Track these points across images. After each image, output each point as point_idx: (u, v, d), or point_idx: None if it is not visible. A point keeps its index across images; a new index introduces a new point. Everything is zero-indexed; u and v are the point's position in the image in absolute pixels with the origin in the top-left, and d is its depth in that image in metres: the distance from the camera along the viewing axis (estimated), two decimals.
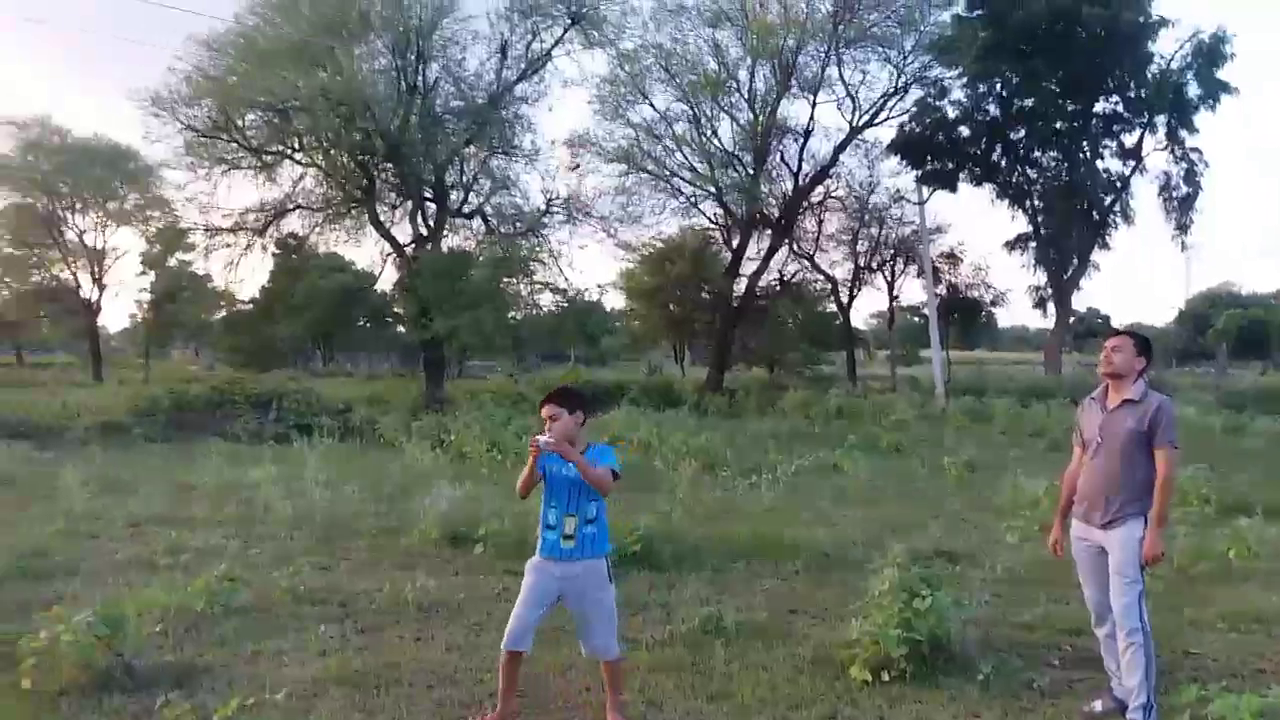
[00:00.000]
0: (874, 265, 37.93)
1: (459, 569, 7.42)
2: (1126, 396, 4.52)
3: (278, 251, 34.14)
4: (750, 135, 29.12)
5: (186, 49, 23.82)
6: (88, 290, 42.00)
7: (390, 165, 25.43)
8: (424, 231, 26.55)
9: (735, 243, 31.81)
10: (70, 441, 15.63)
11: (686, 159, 29.42)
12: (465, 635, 5.76)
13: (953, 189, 33.21)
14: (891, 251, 37.63)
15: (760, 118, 29.06)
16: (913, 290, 46.39)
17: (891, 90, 29.32)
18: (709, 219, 32.77)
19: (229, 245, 26.71)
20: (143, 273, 43.39)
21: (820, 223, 34.65)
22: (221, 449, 13.86)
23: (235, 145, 24.72)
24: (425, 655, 5.36)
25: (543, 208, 27.04)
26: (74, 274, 42.02)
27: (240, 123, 24.45)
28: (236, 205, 26.27)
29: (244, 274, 28.52)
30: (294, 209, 27.00)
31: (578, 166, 27.90)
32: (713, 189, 29.33)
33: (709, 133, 29.45)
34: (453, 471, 11.76)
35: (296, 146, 25.61)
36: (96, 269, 41.67)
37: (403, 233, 27.04)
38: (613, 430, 15.12)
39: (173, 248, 37.82)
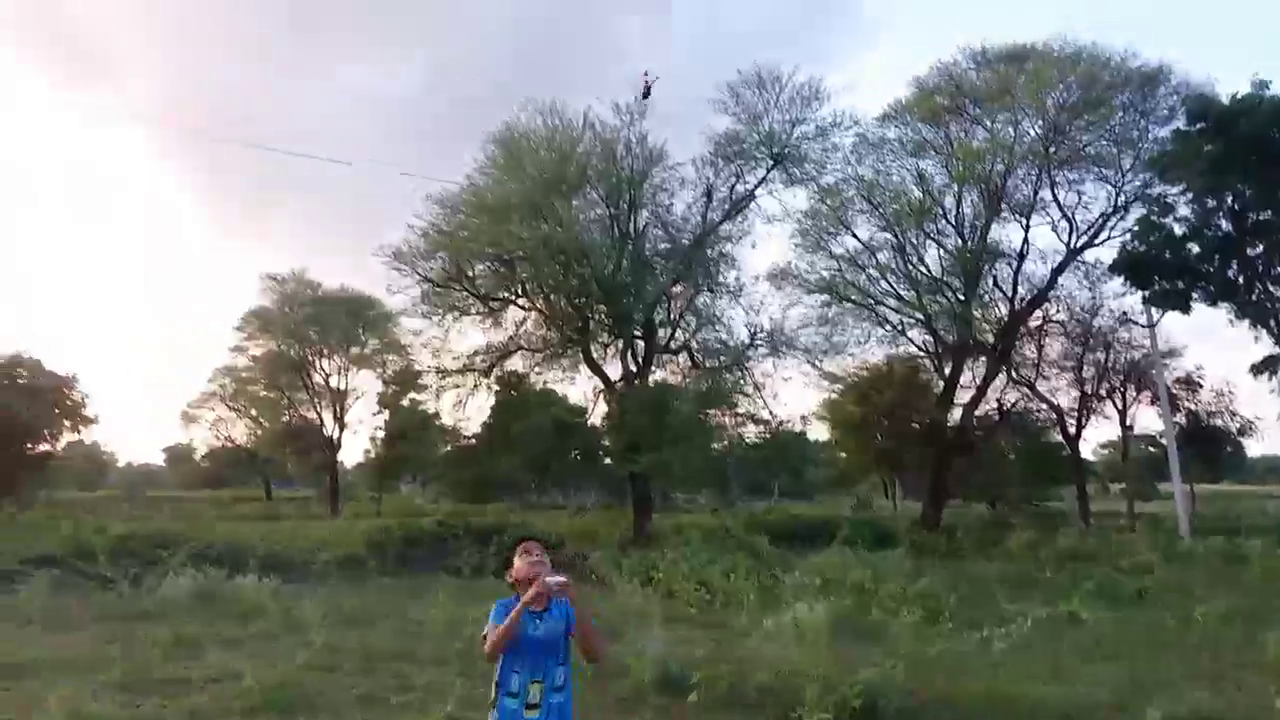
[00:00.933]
0: (1102, 392, 35.51)
1: (674, 713, 7.32)
2: None
3: (498, 389, 36.19)
4: (959, 260, 28.58)
5: (425, 207, 26.40)
6: (330, 428, 46.05)
7: (603, 307, 26.69)
8: (633, 368, 27.46)
9: (948, 371, 30.85)
10: (312, 575, 16.85)
11: (892, 287, 29.21)
12: None
13: (1185, 310, 30.87)
14: (1121, 377, 35.18)
15: (969, 243, 28.55)
16: (1148, 418, 43.06)
17: (1111, 210, 28.21)
18: (917, 347, 32.09)
19: (458, 386, 28.58)
20: (378, 412, 47.25)
21: (1040, 348, 33.05)
22: (446, 584, 14.49)
23: (465, 293, 26.75)
24: None
25: (746, 341, 27.42)
26: (319, 413, 46.25)
27: (470, 273, 26.52)
28: (465, 348, 28.20)
29: (470, 412, 30.17)
30: (516, 350, 28.68)
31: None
32: (921, 316, 28.82)
33: (915, 260, 29.25)
34: (662, 611, 11.73)
35: (520, 292, 27.45)
36: (338, 409, 45.72)
37: (613, 369, 28.14)
38: (825, 573, 14.65)
39: (407, 389, 40.96)
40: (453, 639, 10.29)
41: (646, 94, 25.63)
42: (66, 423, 38.20)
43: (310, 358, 45.34)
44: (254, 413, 48.15)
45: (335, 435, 46.54)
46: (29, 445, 37.27)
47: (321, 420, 46.73)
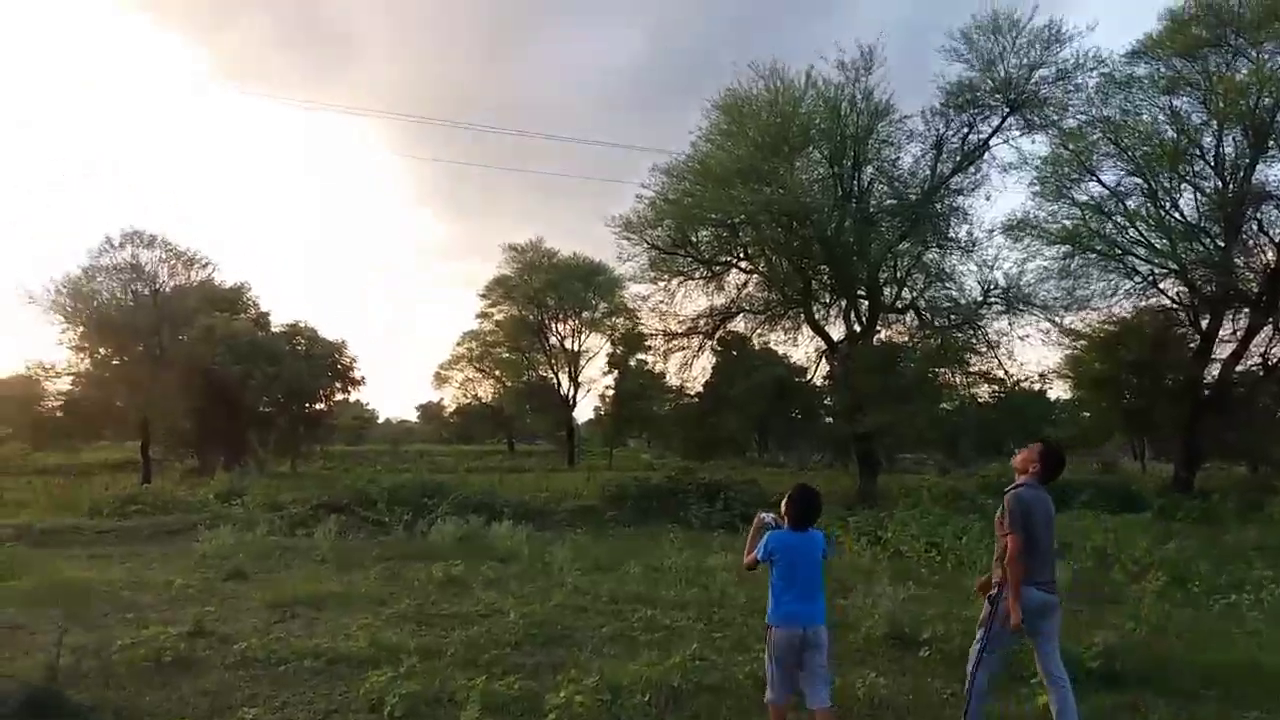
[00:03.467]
0: None
1: (906, 670, 7.63)
2: None
3: (720, 349, 36.89)
4: (1219, 205, 26.15)
5: (651, 178, 27.32)
6: (565, 387, 48.93)
7: (826, 267, 26.61)
8: (857, 328, 27.26)
9: (1204, 324, 28.43)
10: (557, 523, 18.25)
11: (1142, 235, 27.15)
12: None
13: None
14: None
15: (1230, 185, 26.04)
16: None
17: None
18: (1170, 299, 29.67)
19: (683, 348, 29.50)
20: (608, 372, 49.51)
21: None
22: (679, 535, 15.32)
23: (690, 259, 27.48)
24: None
25: (979, 298, 26.48)
26: (555, 374, 49.17)
27: (694, 238, 27.20)
28: (689, 311, 29.02)
29: (695, 372, 31.14)
30: (738, 312, 29.19)
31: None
32: (1174, 265, 26.68)
33: (1167, 205, 27.00)
34: (890, 570, 11.93)
35: (742, 256, 27.88)
36: (572, 369, 48.41)
37: (836, 329, 28.02)
38: (1063, 535, 14.20)
39: (634, 350, 42.60)
40: (690, 586, 11.01)
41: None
42: (338, 384, 42.49)
43: (547, 321, 48.25)
44: (498, 373, 51.75)
45: (570, 394, 49.45)
46: (308, 405, 41.85)
47: (557, 380, 49.78)
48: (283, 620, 9.46)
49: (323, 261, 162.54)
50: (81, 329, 35.19)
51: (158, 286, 36.59)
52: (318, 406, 42.69)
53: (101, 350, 36.04)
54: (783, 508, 5.37)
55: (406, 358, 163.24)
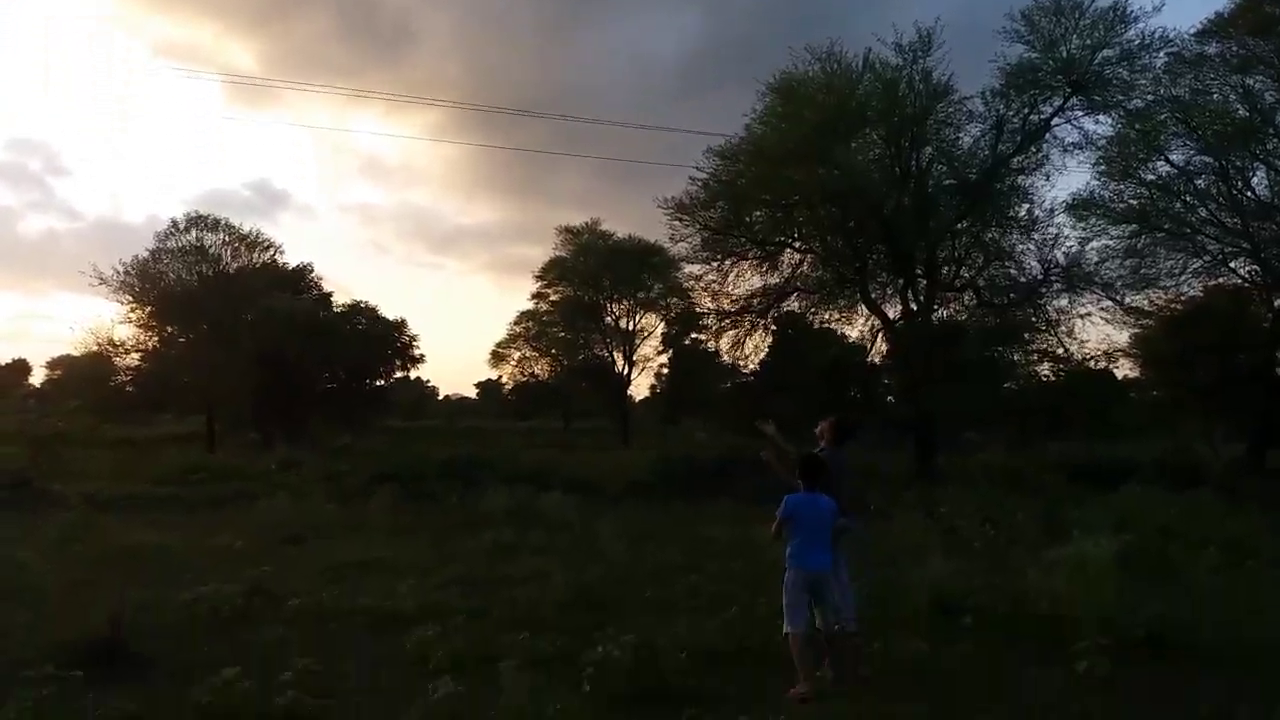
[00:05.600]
0: None
1: (948, 637, 7.56)
2: None
3: (776, 329, 36.67)
4: None
5: (704, 160, 27.10)
6: (620, 366, 49.18)
7: (882, 246, 26.23)
8: (914, 306, 26.85)
9: (1277, 304, 27.53)
10: (608, 496, 18.38)
11: (1212, 214, 26.36)
12: (953, 698, 5.96)
13: None
14: None
15: None
16: None
17: None
18: (1241, 278, 28.74)
19: (736, 327, 29.33)
20: (662, 351, 49.63)
21: None
22: (729, 509, 15.33)
23: (743, 239, 27.25)
24: (915, 711, 5.67)
25: (1039, 276, 25.88)
26: (609, 353, 49.46)
27: (748, 219, 26.92)
28: (742, 291, 28.77)
29: (748, 351, 30.95)
30: (793, 292, 28.89)
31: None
32: (1246, 245, 25.87)
33: (1239, 184, 26.15)
34: (943, 544, 11.80)
35: (796, 236, 27.57)
36: (627, 348, 48.62)
37: (892, 308, 27.61)
38: (1118, 510, 13.91)
39: (688, 330, 42.57)
40: (736, 557, 11.03)
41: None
42: (398, 361, 43.23)
43: (602, 301, 48.41)
44: (554, 352, 52.07)
45: (625, 372, 49.67)
46: (368, 381, 42.67)
47: (612, 358, 49.99)
48: (335, 582, 9.71)
49: (383, 245, 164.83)
50: (150, 308, 36.32)
51: (222, 267, 37.58)
52: (377, 383, 43.49)
53: (168, 329, 37.16)
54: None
55: (467, 338, 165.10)
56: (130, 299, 36.24)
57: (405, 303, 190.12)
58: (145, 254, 37.14)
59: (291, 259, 42.06)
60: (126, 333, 37.22)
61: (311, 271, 43.02)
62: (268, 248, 40.07)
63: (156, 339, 37.57)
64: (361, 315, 41.72)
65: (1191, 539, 11.37)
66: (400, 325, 42.55)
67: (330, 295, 42.88)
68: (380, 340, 41.09)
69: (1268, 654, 6.94)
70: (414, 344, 43.09)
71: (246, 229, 39.39)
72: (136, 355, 37.71)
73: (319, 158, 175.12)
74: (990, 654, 7.02)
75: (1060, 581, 8.40)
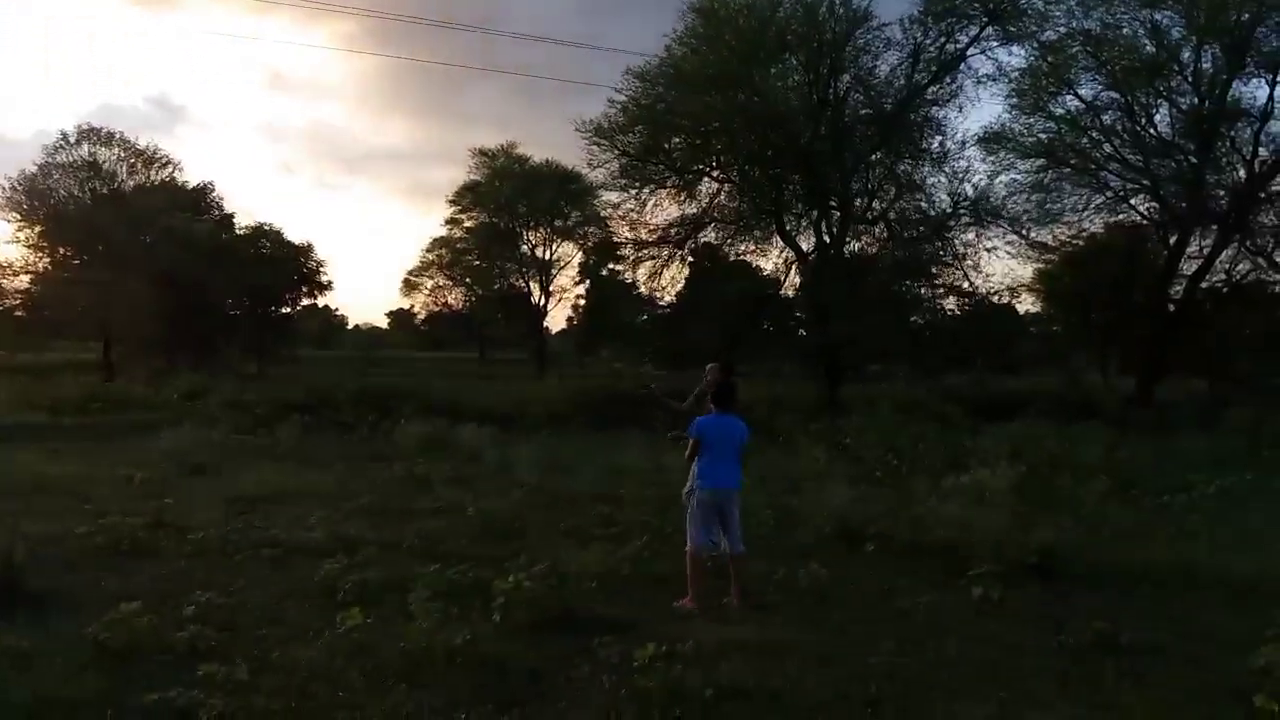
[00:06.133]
0: None
1: (849, 563, 7.85)
2: None
3: (693, 260, 36.76)
4: (1194, 122, 26.08)
5: (624, 81, 26.64)
6: (537, 296, 48.77)
7: (798, 176, 26.37)
8: (827, 239, 27.19)
9: (1173, 241, 28.66)
10: (524, 427, 18.36)
11: (1116, 150, 27.16)
12: (852, 622, 6.19)
13: None
14: None
15: (1206, 102, 25.94)
16: None
17: None
18: (1141, 215, 29.83)
19: (654, 257, 29.30)
20: (579, 281, 49.40)
21: None
22: (644, 439, 15.44)
23: (662, 166, 27.04)
24: (815, 635, 5.88)
25: (948, 210, 26.43)
26: (526, 282, 48.94)
27: (667, 145, 26.71)
28: (660, 221, 28.68)
29: (665, 282, 31.02)
30: (710, 222, 28.93)
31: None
32: (1146, 182, 26.79)
33: (1143, 121, 26.92)
34: (846, 473, 12.15)
35: (714, 165, 27.49)
36: (544, 278, 48.17)
37: (807, 241, 27.92)
38: (1014, 441, 14.50)
39: (606, 259, 42.41)
40: (649, 485, 11.17)
41: None
42: (304, 288, 42.12)
43: (518, 229, 47.68)
44: (468, 280, 51.30)
45: (542, 302, 49.29)
46: (274, 308, 41.51)
47: (529, 288, 49.47)
48: (242, 514, 9.54)
49: (289, 165, 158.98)
50: (39, 228, 34.50)
51: (117, 185, 35.78)
52: (283, 310, 42.36)
53: (61, 250, 35.39)
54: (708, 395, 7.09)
55: (378, 264, 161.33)
56: (18, 217, 34.36)
57: (313, 227, 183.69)
58: (33, 169, 35.14)
59: (192, 178, 40.38)
60: (15, 253, 35.40)
61: (213, 192, 41.44)
62: (166, 164, 38.33)
63: (48, 260, 35.76)
64: (266, 239, 40.38)
65: (1082, 469, 11.93)
66: (307, 250, 41.40)
67: (233, 217, 41.45)
68: (286, 265, 39.89)
69: (1149, 577, 7.37)
70: (321, 270, 42.05)
71: (143, 144, 37.56)
72: (26, 277, 35.91)
73: (222, 70, 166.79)
74: (890, 579, 7.30)
75: (958, 510, 8.76)
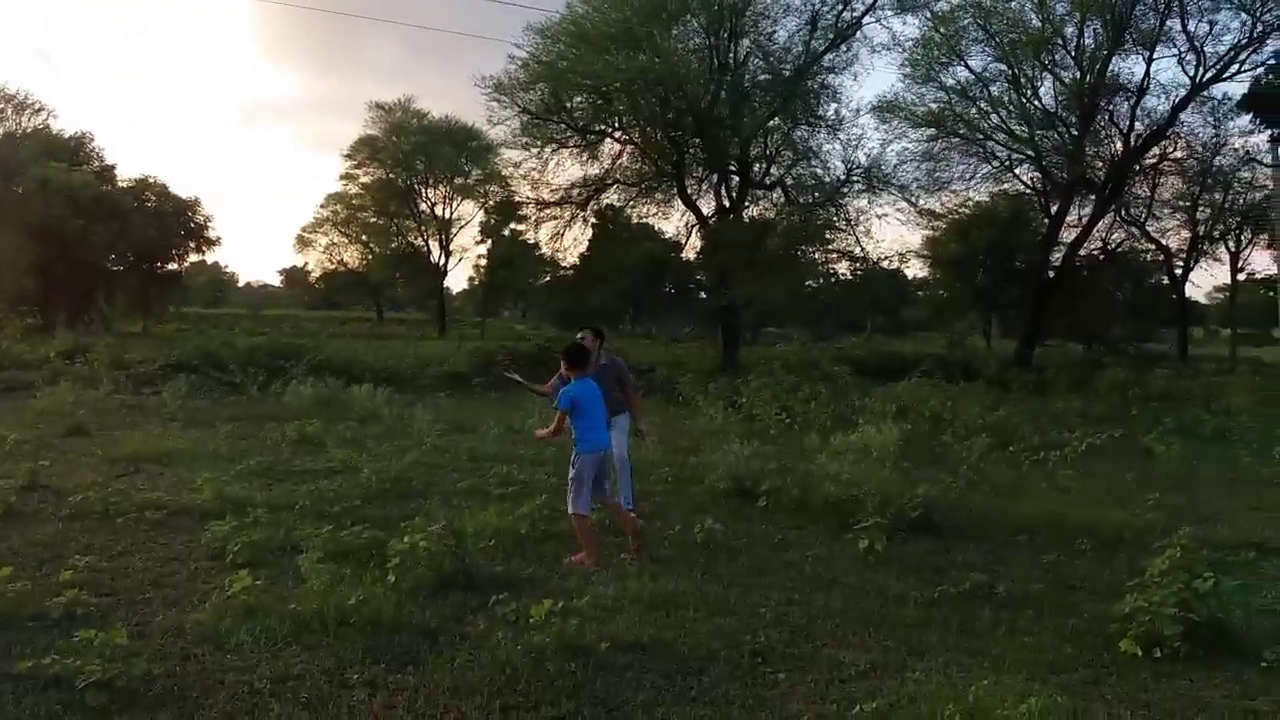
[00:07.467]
0: (1215, 234, 34.07)
1: (743, 518, 8.06)
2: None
3: (596, 222, 36.66)
4: (1075, 95, 27.20)
5: (525, 37, 26.21)
6: (436, 256, 47.84)
7: (699, 140, 26.50)
8: (726, 203, 27.48)
9: (1054, 209, 29.96)
10: (422, 388, 18.12)
11: (1003, 121, 28.19)
12: (744, 574, 6.38)
13: None
14: (1238, 219, 33.60)
15: (1088, 76, 27.05)
16: (1263, 262, 40.99)
17: (1244, 41, 25.99)
18: (1024, 184, 31.09)
19: (555, 218, 29.10)
20: (480, 241, 48.69)
21: (1154, 187, 31.64)
22: (544, 400, 15.42)
23: (564, 126, 26.80)
24: (708, 588, 6.03)
25: (842, 177, 26.99)
26: (425, 241, 47.95)
27: (569, 104, 26.47)
28: (562, 181, 28.48)
29: (567, 243, 30.84)
30: (612, 184, 28.87)
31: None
32: (1030, 152, 27.87)
33: (1029, 93, 28.00)
34: (742, 431, 12.42)
35: (616, 126, 27.39)
36: (444, 237, 47.27)
37: (707, 205, 28.18)
38: (900, 401, 15.04)
39: (507, 219, 41.86)
40: (547, 445, 11.18)
41: None
42: (191, 244, 40.30)
43: (417, 186, 46.56)
44: (365, 238, 49.98)
45: (441, 262, 48.37)
46: (159, 264, 39.66)
47: (429, 247, 48.47)
48: (124, 475, 9.21)
49: (175, 116, 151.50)
50: None
51: None
52: (169, 266, 40.55)
53: None
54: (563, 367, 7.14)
55: (270, 221, 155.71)
56: None
57: (200, 180, 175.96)
58: None
59: (68, 127, 38.13)
60: None
61: (91, 141, 39.26)
62: (39, 111, 36.05)
63: None
64: (150, 192, 38.45)
65: (963, 427, 12.46)
66: (194, 204, 39.55)
67: (114, 168, 39.29)
68: (171, 220, 38.09)
69: (1024, 530, 7.78)
70: (209, 225, 40.26)
71: (12, 90, 35.23)
72: None
73: (101, 12, 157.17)
74: (782, 533, 7.53)
75: (846, 466, 9.07)
